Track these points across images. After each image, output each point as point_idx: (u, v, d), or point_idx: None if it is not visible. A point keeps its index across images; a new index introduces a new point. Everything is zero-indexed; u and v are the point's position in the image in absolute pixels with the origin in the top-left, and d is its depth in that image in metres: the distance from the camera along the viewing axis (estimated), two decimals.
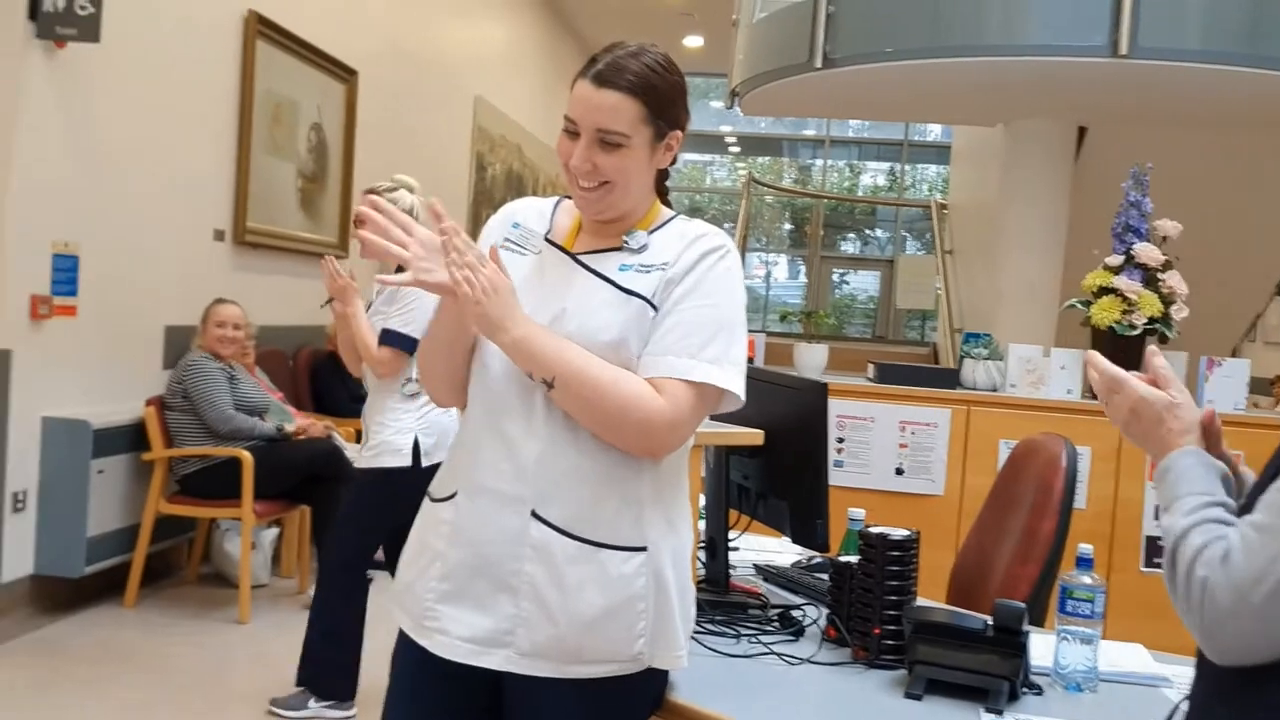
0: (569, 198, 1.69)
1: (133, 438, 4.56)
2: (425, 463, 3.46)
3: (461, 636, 1.56)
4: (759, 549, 2.63)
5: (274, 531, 5.20)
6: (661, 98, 1.57)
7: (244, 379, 4.84)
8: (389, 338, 3.42)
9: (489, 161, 9.57)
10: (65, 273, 4.34)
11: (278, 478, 4.61)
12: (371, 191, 3.49)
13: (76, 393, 4.45)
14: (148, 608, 4.55)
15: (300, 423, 4.95)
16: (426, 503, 1.69)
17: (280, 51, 5.77)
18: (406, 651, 1.64)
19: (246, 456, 4.47)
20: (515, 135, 10.31)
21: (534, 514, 1.54)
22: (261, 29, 5.52)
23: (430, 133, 8.18)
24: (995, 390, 4.16)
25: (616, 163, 1.55)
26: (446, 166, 8.61)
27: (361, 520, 3.55)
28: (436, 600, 1.59)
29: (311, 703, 3.59)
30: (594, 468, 1.54)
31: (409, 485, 3.27)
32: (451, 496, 1.62)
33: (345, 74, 6.53)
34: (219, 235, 5.39)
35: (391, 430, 3.46)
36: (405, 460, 3.44)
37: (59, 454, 4.29)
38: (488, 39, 9.53)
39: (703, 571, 2.23)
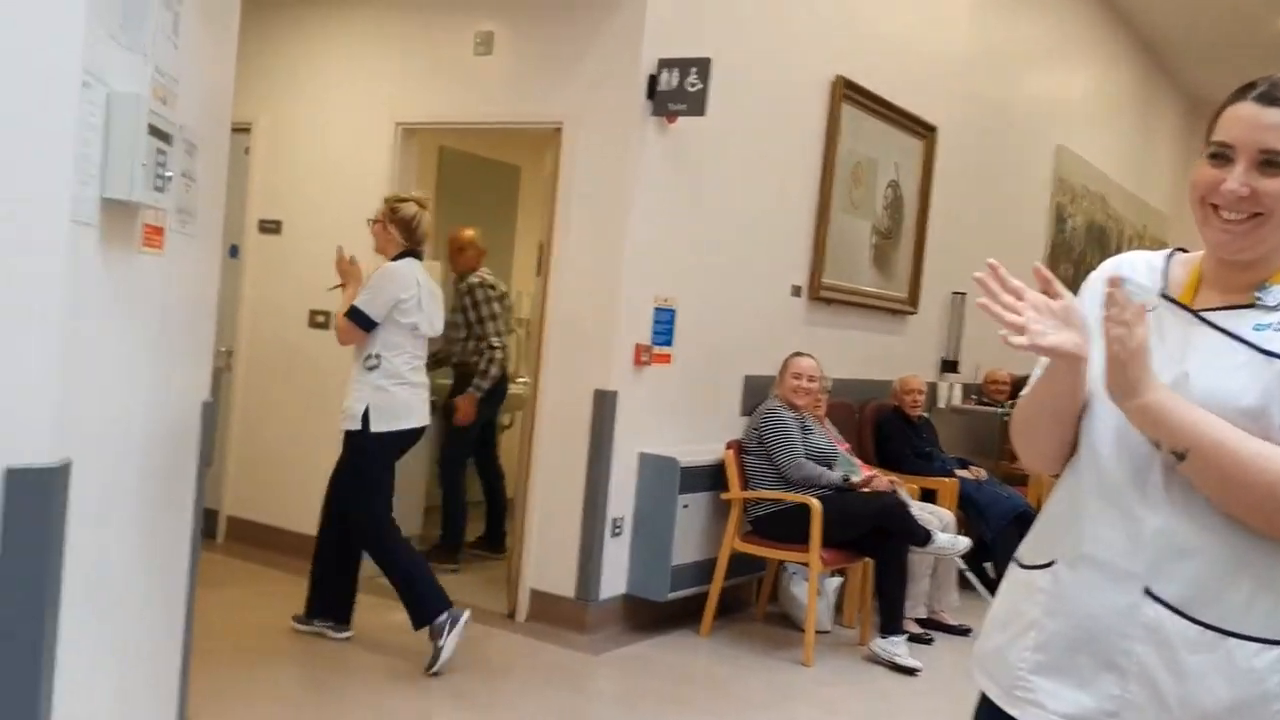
0: (1182, 250, 1.57)
1: (713, 477, 4.91)
2: (374, 428, 3.99)
3: (1059, 712, 1.48)
4: None
5: (838, 580, 5.30)
6: None
7: (815, 429, 5.01)
8: (350, 311, 3.99)
9: (1069, 213, 9.12)
10: (664, 324, 4.81)
11: (844, 527, 4.70)
12: (388, 200, 4.21)
13: (667, 432, 4.89)
14: (719, 638, 4.84)
15: (866, 475, 5.02)
16: (1015, 567, 1.61)
17: (863, 113, 5.96)
18: (990, 718, 1.57)
19: (815, 504, 4.61)
20: (1099, 185, 9.73)
21: (1147, 591, 1.41)
22: (847, 92, 5.74)
23: (1007, 184, 7.97)
24: None
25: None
26: (1023, 218, 8.34)
27: (341, 480, 4.16)
28: (1030, 671, 1.51)
29: (315, 621, 4.27)
30: (1222, 546, 1.38)
31: (361, 448, 4.04)
32: (1049, 565, 1.53)
33: (924, 130, 6.58)
34: (796, 291, 5.66)
35: (351, 399, 4.05)
36: (356, 424, 4.00)
37: (651, 487, 4.74)
38: (1072, 86, 9.11)
39: None
